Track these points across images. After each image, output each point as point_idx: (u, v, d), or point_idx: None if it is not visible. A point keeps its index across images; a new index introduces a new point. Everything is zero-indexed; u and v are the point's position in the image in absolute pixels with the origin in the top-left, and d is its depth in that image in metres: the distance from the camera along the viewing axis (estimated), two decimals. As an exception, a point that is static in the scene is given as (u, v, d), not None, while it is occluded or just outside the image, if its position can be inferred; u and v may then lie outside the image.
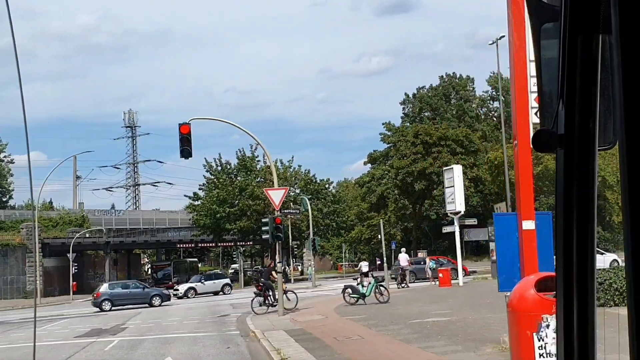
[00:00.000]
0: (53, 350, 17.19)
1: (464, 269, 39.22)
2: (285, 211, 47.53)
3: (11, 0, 2.27)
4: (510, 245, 9.98)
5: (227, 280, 51.35)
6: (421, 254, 60.96)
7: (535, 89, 8.76)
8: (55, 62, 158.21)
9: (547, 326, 6.71)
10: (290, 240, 60.26)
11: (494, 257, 35.00)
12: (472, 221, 34.97)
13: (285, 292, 23.87)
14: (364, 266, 37.78)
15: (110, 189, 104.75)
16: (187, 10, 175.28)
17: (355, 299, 24.24)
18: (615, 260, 33.02)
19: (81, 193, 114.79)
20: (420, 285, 35.76)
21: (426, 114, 73.95)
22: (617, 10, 1.12)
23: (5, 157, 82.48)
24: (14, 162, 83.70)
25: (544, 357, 6.86)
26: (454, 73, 76.21)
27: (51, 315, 33.88)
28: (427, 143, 52.14)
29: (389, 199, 57.77)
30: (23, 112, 2.45)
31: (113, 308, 36.64)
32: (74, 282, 58.65)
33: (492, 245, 35.91)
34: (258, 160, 64.93)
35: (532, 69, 9.02)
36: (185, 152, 21.82)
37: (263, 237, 28.13)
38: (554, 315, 1.52)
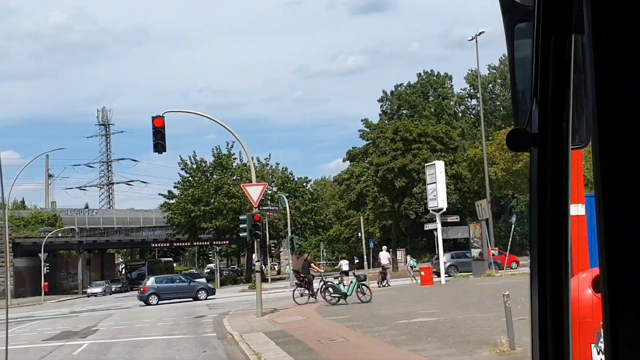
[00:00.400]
0: (17, 355, 16.14)
1: (515, 261, 38.61)
2: (264, 208, 46.56)
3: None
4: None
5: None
6: (400, 253, 60.60)
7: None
8: (29, 61, 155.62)
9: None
10: (268, 239, 59.32)
11: (477, 254, 34.61)
12: (455, 218, 34.42)
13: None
14: (344, 265, 36.87)
15: (83, 188, 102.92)
16: (161, 10, 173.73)
17: (337, 299, 23.46)
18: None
19: (54, 192, 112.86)
20: (401, 283, 35.12)
21: (404, 111, 73.45)
22: (589, 10, 1.13)
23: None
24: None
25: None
26: (432, 70, 75.89)
27: (20, 317, 32.61)
28: (407, 140, 51.55)
29: (368, 197, 57.09)
30: None
31: (160, 302, 36.75)
32: (46, 283, 57.20)
33: (476, 242, 35.56)
34: (235, 158, 63.90)
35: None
36: (159, 147, 20.87)
37: (240, 235, 27.20)
38: None
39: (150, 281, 39.09)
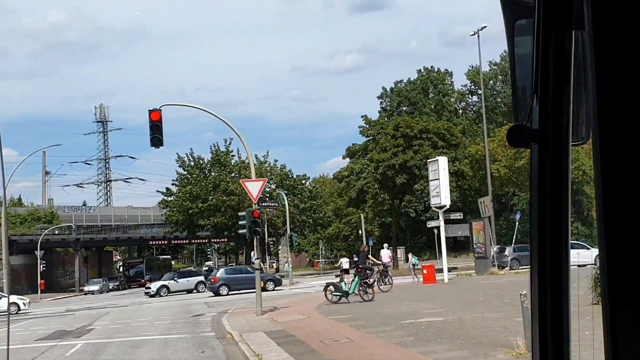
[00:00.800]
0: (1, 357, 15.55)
1: None
2: (264, 204, 45.95)
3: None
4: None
5: (201, 278, 49.65)
6: (400, 251, 59.98)
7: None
8: (27, 60, 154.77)
9: None
10: (267, 237, 58.71)
11: (482, 252, 34.00)
12: (458, 215, 33.73)
13: None
14: (345, 263, 36.43)
15: (81, 185, 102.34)
16: (159, 8, 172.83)
17: (338, 297, 22.87)
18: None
19: (51, 190, 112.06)
20: (402, 282, 34.53)
21: (404, 108, 72.81)
22: (590, 7, 1.15)
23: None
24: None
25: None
26: (432, 67, 75.32)
27: (14, 316, 31.97)
28: (408, 136, 50.77)
29: (368, 194, 56.41)
30: None
31: (230, 292, 37.30)
32: (42, 280, 56.60)
33: (476, 239, 34.95)
34: (233, 155, 63.29)
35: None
36: (156, 141, 20.31)
37: (240, 232, 26.58)
38: None
39: (220, 272, 40.86)
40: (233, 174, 61.06)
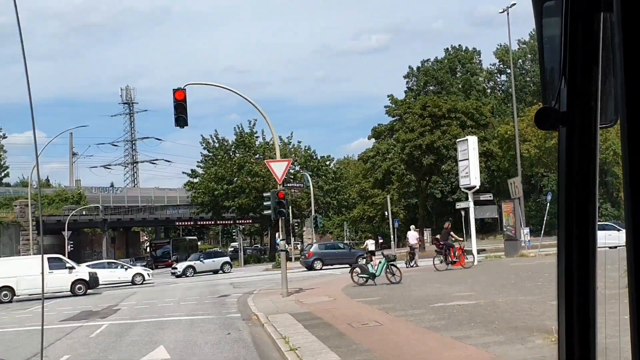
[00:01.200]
0: (32, 337, 15.41)
1: None
2: (289, 185, 45.59)
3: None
4: None
5: (227, 259, 49.74)
6: (426, 232, 59.38)
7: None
8: (53, 41, 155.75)
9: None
10: (291, 218, 58.53)
11: (512, 234, 33.31)
12: (488, 196, 32.96)
13: None
14: (370, 244, 35.96)
15: (108, 167, 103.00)
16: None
17: (365, 279, 22.48)
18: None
19: (78, 171, 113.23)
20: (430, 264, 34.03)
21: (431, 87, 71.78)
22: None
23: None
24: (6, 137, 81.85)
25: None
26: (459, 45, 74.03)
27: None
28: (436, 115, 49.89)
29: (394, 175, 55.73)
30: (28, 90, 2.29)
31: (323, 267, 38.43)
32: (70, 261, 57.11)
33: (506, 221, 34.23)
34: (257, 137, 63.03)
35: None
36: (181, 120, 19.98)
37: (264, 213, 26.28)
38: None
39: (314, 248, 41.77)
40: (257, 156, 60.86)
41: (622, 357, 3.24)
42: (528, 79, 72.55)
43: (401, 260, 32.92)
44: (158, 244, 75.61)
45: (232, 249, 78.53)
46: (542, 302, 13.44)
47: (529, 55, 71.94)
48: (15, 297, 31.04)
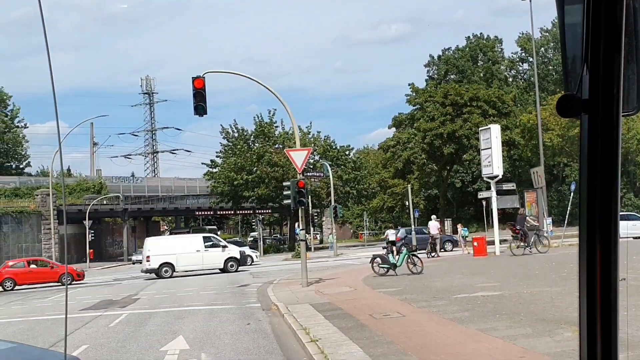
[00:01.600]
0: (52, 326, 15.37)
1: None
2: (309, 174, 45.34)
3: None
4: None
5: (247, 248, 49.65)
6: (447, 222, 58.88)
7: None
8: (73, 32, 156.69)
9: None
10: (311, 208, 58.35)
11: (535, 223, 32.79)
12: (511, 186, 32.52)
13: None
14: (391, 234, 35.68)
15: (128, 157, 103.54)
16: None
17: (385, 270, 22.21)
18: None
19: (99, 160, 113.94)
20: (451, 254, 33.72)
21: (452, 76, 70.95)
22: None
23: (19, 122, 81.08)
24: (27, 127, 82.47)
25: None
26: (481, 34, 73.18)
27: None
28: (457, 104, 49.19)
29: (414, 165, 55.22)
30: (51, 80, 2.35)
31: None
32: (91, 250, 57.50)
33: (529, 211, 33.77)
34: (276, 126, 62.78)
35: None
36: (200, 109, 19.77)
37: (284, 202, 26.10)
38: None
39: (401, 232, 42.21)
40: (276, 145, 60.69)
41: None
42: (550, 67, 71.47)
43: (422, 251, 32.62)
44: (178, 234, 75.88)
45: (252, 238, 78.60)
46: (568, 294, 13.09)
47: (552, 44, 70.84)
48: (175, 273, 33.33)
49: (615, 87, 1.36)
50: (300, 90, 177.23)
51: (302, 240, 22.85)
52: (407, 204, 54.25)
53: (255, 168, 60.07)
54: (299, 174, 21.93)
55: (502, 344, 8.90)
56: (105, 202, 67.33)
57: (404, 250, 22.78)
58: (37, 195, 59.22)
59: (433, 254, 32.31)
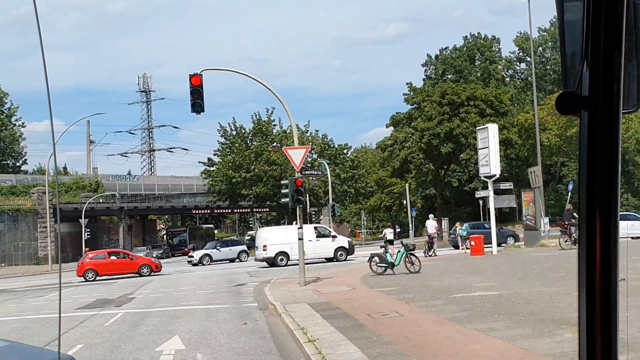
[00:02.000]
0: (46, 325, 15.24)
1: None
2: (307, 172, 45.20)
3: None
4: None
5: (244, 247, 49.59)
6: (444, 221, 58.79)
7: None
8: (73, 31, 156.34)
9: None
10: (308, 207, 58.22)
11: (532, 224, 32.75)
12: (508, 185, 32.46)
13: None
14: (389, 233, 35.64)
15: (125, 155, 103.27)
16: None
17: (383, 269, 22.13)
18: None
19: (96, 159, 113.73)
20: (449, 253, 33.64)
21: (449, 76, 70.88)
22: None
23: (16, 120, 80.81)
24: (25, 126, 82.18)
25: None
26: (478, 33, 73.17)
27: (57, 283, 32.23)
28: (455, 103, 49.16)
29: (412, 164, 55.17)
30: (45, 80, 2.31)
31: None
32: (87, 248, 57.24)
33: (526, 210, 33.68)
34: (275, 125, 62.67)
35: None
36: (197, 106, 19.66)
37: (282, 201, 25.97)
38: None
39: (465, 226, 41.67)
40: (275, 144, 60.56)
41: None
42: (548, 67, 71.42)
43: (419, 250, 32.50)
44: (175, 232, 75.72)
45: (249, 237, 78.48)
46: (567, 294, 13.01)
47: (550, 43, 70.78)
48: (289, 262, 34.08)
49: (616, 84, 1.35)
50: (299, 90, 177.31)
51: (299, 238, 22.73)
52: (404, 203, 54.22)
53: (253, 166, 59.95)
54: (297, 172, 21.83)
55: (501, 344, 8.81)
56: (101, 201, 67.15)
57: (402, 249, 22.69)
58: (34, 193, 59.02)
59: (430, 253, 32.20)
